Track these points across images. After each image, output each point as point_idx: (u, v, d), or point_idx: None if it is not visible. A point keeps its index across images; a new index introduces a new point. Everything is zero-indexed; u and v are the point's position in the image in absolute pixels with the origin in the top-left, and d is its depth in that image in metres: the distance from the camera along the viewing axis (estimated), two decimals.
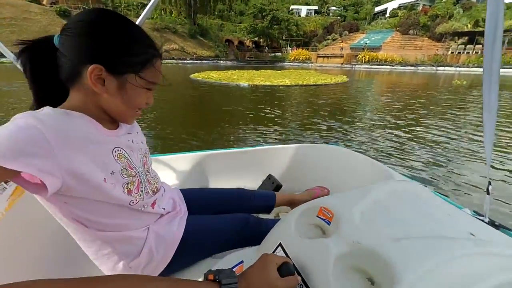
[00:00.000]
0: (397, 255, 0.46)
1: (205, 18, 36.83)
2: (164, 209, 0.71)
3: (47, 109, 0.49)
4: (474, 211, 0.90)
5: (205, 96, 8.12)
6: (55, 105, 0.53)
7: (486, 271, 0.46)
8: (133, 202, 0.59)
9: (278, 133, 4.19)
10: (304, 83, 10.38)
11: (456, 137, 4.03)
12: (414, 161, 3.09)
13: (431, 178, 2.68)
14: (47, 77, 0.55)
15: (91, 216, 0.55)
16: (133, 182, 0.59)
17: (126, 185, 0.57)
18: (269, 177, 1.33)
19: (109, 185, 0.53)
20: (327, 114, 5.53)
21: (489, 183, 0.89)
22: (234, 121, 4.90)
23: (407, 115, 5.49)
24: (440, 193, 0.98)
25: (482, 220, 0.84)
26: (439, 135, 4.09)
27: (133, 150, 0.62)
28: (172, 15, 34.20)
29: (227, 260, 0.70)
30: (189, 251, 0.72)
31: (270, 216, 1.22)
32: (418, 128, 4.49)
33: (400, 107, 6.43)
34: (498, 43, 0.68)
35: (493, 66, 0.71)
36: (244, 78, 11.34)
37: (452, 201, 0.92)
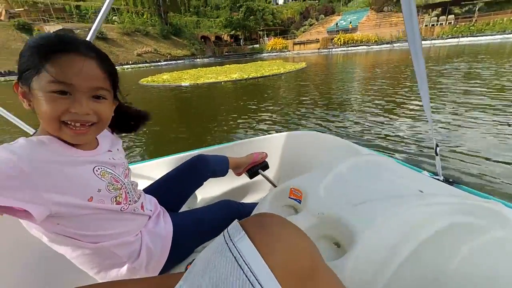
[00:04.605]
0: (354, 218, 0.53)
1: (178, 17, 36.09)
2: (151, 210, 0.75)
3: (21, 140, 0.49)
4: (432, 173, 0.96)
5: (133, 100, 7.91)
6: None
7: (429, 218, 0.52)
8: (123, 208, 0.62)
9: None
10: (251, 76, 10.18)
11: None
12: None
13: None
14: None
15: (87, 231, 0.56)
16: (121, 194, 0.62)
17: (114, 199, 0.60)
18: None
19: (97, 202, 0.55)
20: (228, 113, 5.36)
21: (437, 145, 0.95)
22: None
23: (330, 106, 5.41)
24: (402, 161, 1.04)
25: (438, 179, 0.90)
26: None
27: (115, 165, 0.64)
28: (144, 17, 33.40)
29: None
30: (181, 244, 0.76)
31: (248, 200, 1.41)
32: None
33: (327, 101, 6.28)
34: (414, 16, 0.74)
35: (415, 37, 0.76)
36: (193, 78, 11.08)
37: (413, 166, 0.98)
